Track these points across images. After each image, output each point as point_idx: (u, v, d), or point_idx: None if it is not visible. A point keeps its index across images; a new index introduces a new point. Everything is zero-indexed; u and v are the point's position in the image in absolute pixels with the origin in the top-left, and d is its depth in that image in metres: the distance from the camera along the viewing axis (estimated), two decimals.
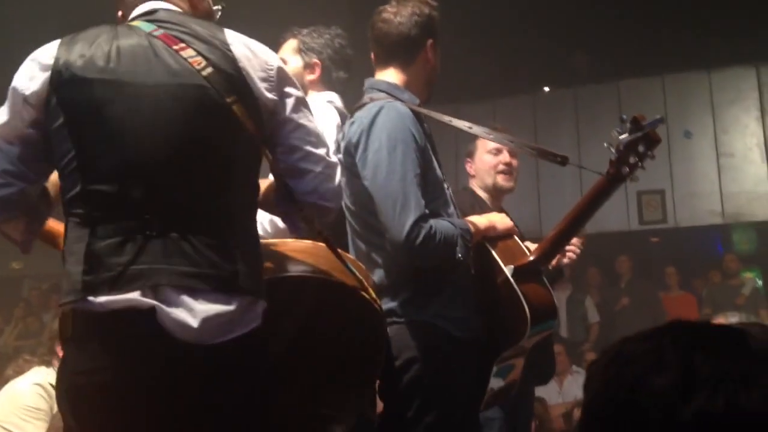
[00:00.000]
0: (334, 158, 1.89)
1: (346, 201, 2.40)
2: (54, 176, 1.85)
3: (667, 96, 9.29)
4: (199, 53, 1.70)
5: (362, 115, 2.35)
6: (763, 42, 8.08)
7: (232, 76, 1.71)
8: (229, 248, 1.67)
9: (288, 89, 1.82)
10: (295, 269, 1.91)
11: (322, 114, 2.68)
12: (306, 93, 2.75)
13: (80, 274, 1.60)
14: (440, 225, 2.23)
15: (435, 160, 2.43)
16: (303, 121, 1.83)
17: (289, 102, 1.81)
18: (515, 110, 9.72)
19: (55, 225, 2.11)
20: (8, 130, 1.71)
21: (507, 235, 2.64)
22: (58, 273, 1.75)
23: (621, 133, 2.36)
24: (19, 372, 4.03)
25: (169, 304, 1.60)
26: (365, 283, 1.96)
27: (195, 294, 1.61)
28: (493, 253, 2.51)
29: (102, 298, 1.58)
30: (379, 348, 2.05)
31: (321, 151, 1.84)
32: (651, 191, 8.92)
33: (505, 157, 3.27)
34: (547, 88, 10.08)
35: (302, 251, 1.95)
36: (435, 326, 2.30)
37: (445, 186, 2.46)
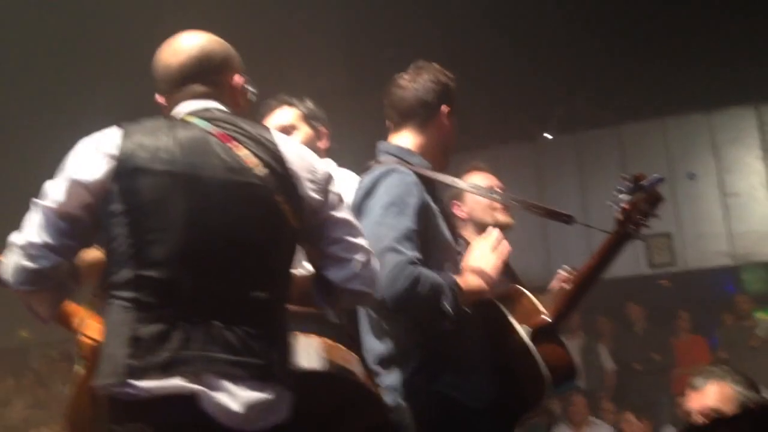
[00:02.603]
0: (370, 247, 1.98)
1: None
2: (85, 255, 1.91)
3: (669, 138, 9.32)
4: (252, 153, 1.82)
5: (366, 180, 2.36)
6: (761, 81, 8.13)
7: (282, 176, 1.84)
8: (267, 338, 1.77)
9: (331, 189, 1.94)
10: (335, 368, 2.03)
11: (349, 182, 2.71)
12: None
13: (125, 357, 1.65)
14: (426, 272, 2.15)
15: (446, 225, 2.40)
16: (344, 215, 1.95)
17: (333, 200, 1.93)
18: (517, 158, 9.73)
19: (69, 305, 2.13)
20: (61, 208, 1.76)
21: (519, 292, 2.60)
22: (66, 340, 1.76)
23: (623, 192, 2.37)
24: None
25: (213, 389, 1.66)
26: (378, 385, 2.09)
27: (236, 381, 1.69)
28: (507, 313, 2.47)
29: (145, 383, 1.63)
30: None
31: (361, 241, 1.95)
32: (658, 234, 8.86)
33: None
34: (548, 135, 10.11)
35: (335, 351, 2.08)
36: (447, 396, 2.26)
37: (458, 250, 2.43)
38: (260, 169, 1.80)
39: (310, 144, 2.77)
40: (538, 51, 7.28)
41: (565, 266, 3.02)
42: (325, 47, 6.54)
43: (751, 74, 7.93)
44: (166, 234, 1.73)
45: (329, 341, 2.08)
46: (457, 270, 2.34)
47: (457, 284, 2.22)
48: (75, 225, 1.77)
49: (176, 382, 1.64)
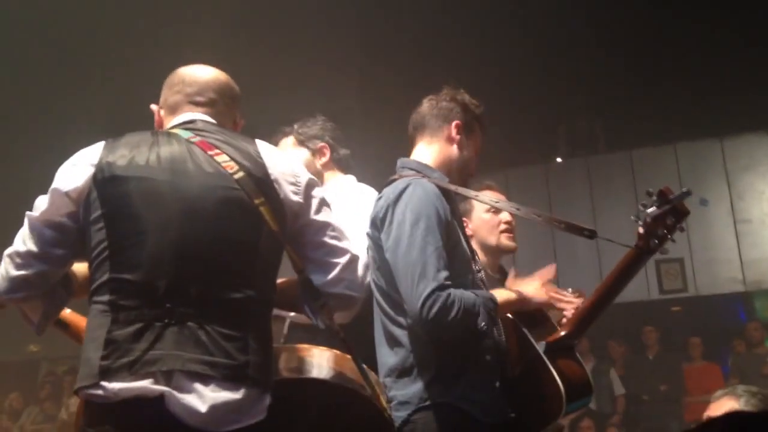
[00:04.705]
0: (356, 250, 1.99)
1: (373, 276, 2.38)
2: (82, 268, 1.95)
3: (681, 164, 9.31)
4: (232, 158, 1.87)
5: (389, 191, 2.38)
6: None
7: (261, 180, 1.88)
8: (243, 340, 1.76)
9: (313, 193, 1.97)
10: (321, 374, 1.99)
11: (356, 199, 2.78)
12: (322, 178, 2.91)
13: (98, 359, 1.68)
14: (459, 294, 2.18)
15: (464, 238, 2.41)
16: (326, 218, 1.98)
17: (314, 204, 1.96)
18: (528, 180, 9.74)
19: (83, 321, 2.17)
20: (44, 216, 1.84)
21: (535, 309, 2.59)
22: (75, 355, 1.78)
23: (647, 207, 2.35)
24: None
25: (181, 390, 1.67)
26: (377, 391, 2.03)
27: (206, 381, 1.69)
28: (523, 328, 2.46)
29: (115, 385, 1.65)
30: None
31: (345, 244, 1.98)
32: (669, 260, 8.84)
33: (505, 215, 3.12)
34: (559, 159, 10.12)
35: (331, 358, 2.04)
36: (460, 410, 2.24)
37: (475, 267, 2.43)
38: (239, 174, 1.84)
39: (309, 165, 2.91)
40: (551, 74, 7.31)
41: (570, 288, 3.02)
42: (339, 67, 6.59)
43: (764, 101, 7.94)
44: (142, 237, 1.76)
45: (342, 354, 2.06)
46: (476, 285, 2.35)
47: (492, 299, 2.27)
48: (59, 233, 1.84)
49: (143, 384, 1.65)
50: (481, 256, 3.17)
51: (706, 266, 8.98)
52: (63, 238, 1.84)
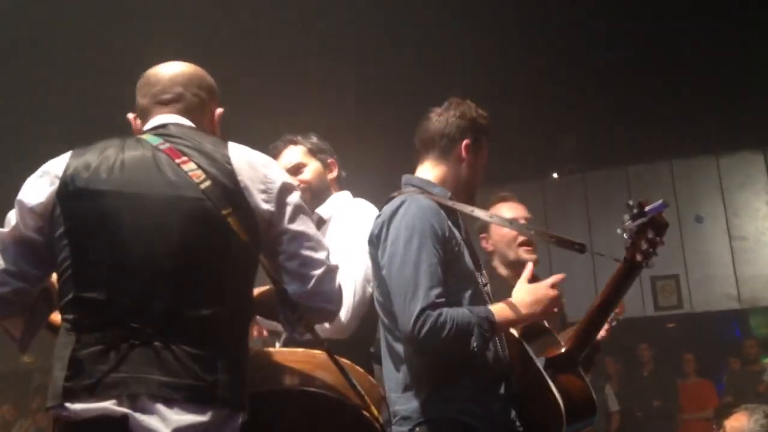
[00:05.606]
0: (333, 262, 1.90)
1: (375, 292, 2.39)
2: None
3: (676, 181, 9.34)
4: (199, 167, 1.77)
5: (386, 209, 2.39)
6: None
7: (229, 188, 1.77)
8: (211, 358, 1.68)
9: (287, 200, 1.86)
10: (309, 384, 1.90)
11: (353, 213, 2.79)
12: (329, 191, 2.90)
13: (62, 380, 1.63)
14: (453, 314, 2.17)
15: (467, 253, 2.40)
16: (302, 228, 1.86)
17: (288, 211, 1.85)
18: (524, 196, 9.68)
19: None
20: (13, 233, 1.80)
21: (536, 324, 2.57)
22: None
23: (628, 219, 2.34)
24: None
25: (144, 412, 1.61)
26: (368, 400, 1.93)
27: (171, 403, 1.62)
28: (524, 343, 2.45)
29: (78, 406, 1.60)
30: None
31: (321, 255, 1.87)
32: (665, 276, 8.85)
33: None
34: (555, 174, 10.13)
35: (315, 364, 1.95)
36: (461, 423, 2.23)
37: (481, 281, 2.42)
38: (205, 183, 1.74)
39: (321, 176, 2.93)
40: (548, 91, 7.32)
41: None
42: (335, 82, 6.60)
43: (760, 119, 7.96)
44: (103, 254, 1.70)
45: (345, 362, 1.98)
46: (478, 298, 2.33)
47: (487, 319, 2.22)
48: (30, 248, 1.79)
49: (106, 405, 1.60)
50: (503, 270, 3.21)
51: (702, 283, 8.99)
52: (35, 253, 1.79)
